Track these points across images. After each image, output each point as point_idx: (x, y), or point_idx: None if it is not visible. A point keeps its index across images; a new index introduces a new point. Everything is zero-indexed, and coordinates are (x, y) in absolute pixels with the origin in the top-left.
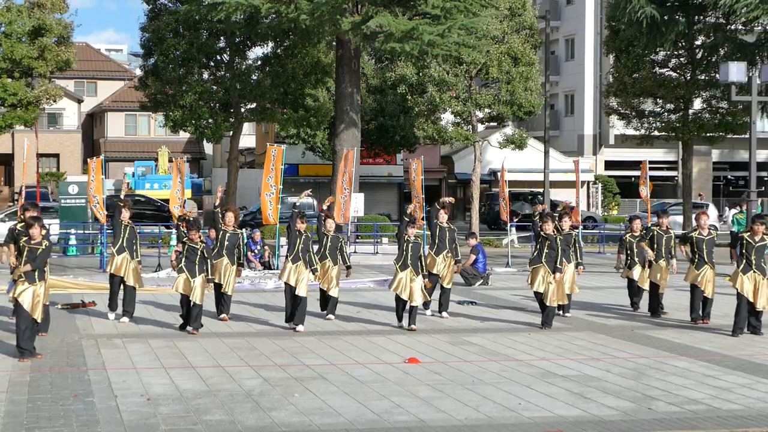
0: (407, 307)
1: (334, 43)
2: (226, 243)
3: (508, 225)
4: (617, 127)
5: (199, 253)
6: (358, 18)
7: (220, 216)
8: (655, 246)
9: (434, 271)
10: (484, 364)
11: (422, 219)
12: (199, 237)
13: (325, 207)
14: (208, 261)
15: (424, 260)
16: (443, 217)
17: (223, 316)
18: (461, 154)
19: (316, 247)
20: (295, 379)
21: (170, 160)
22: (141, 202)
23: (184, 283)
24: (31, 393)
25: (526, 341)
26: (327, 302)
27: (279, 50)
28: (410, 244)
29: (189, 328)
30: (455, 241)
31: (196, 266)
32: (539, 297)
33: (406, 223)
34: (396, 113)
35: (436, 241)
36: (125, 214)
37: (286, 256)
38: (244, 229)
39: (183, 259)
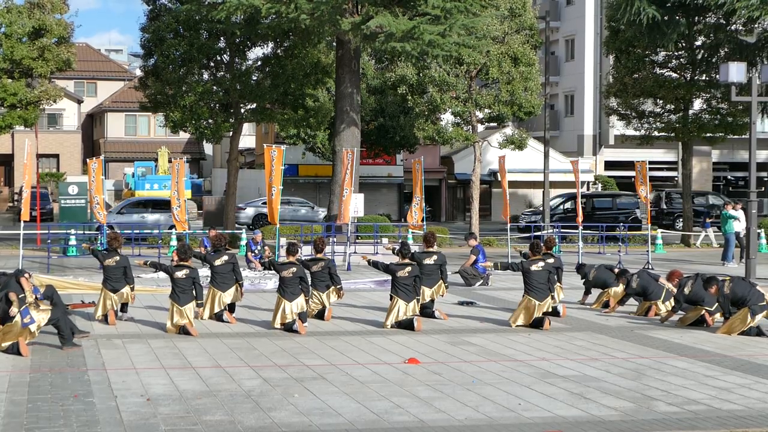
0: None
1: (334, 44)
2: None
3: (508, 225)
4: (617, 127)
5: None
6: (358, 18)
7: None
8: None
9: (426, 301)
10: (483, 364)
11: (422, 220)
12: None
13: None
14: (197, 287)
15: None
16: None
17: (227, 317)
18: (461, 155)
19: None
20: (295, 380)
21: (170, 161)
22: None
23: (177, 314)
24: (31, 393)
25: (525, 341)
26: (323, 314)
27: (279, 51)
28: (403, 279)
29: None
30: (441, 269)
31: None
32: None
33: (395, 265)
34: (396, 114)
35: (423, 277)
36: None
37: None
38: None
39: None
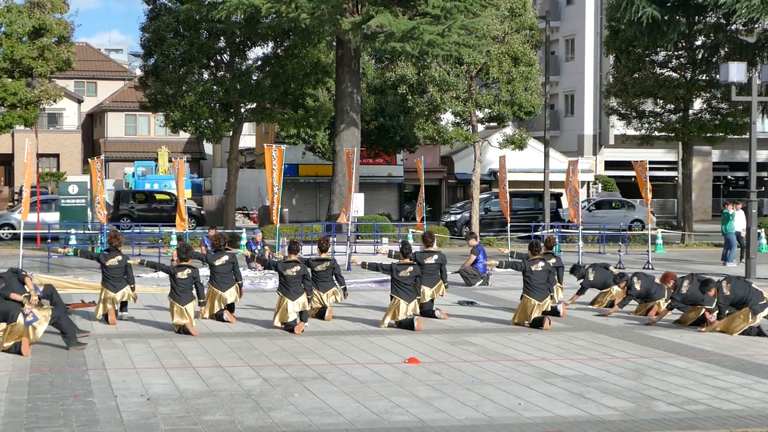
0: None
1: (334, 43)
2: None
3: (508, 225)
4: (617, 127)
5: (189, 280)
6: (358, 18)
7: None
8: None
9: (426, 300)
10: (484, 364)
11: (422, 219)
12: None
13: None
14: (199, 287)
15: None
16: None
17: (227, 316)
18: (461, 154)
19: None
20: (295, 379)
21: (170, 160)
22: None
23: (179, 313)
24: (31, 393)
25: (526, 341)
26: (323, 314)
27: (279, 50)
28: (403, 281)
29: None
30: (441, 269)
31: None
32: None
33: (397, 265)
34: (396, 113)
35: (422, 277)
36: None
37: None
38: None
39: (170, 290)
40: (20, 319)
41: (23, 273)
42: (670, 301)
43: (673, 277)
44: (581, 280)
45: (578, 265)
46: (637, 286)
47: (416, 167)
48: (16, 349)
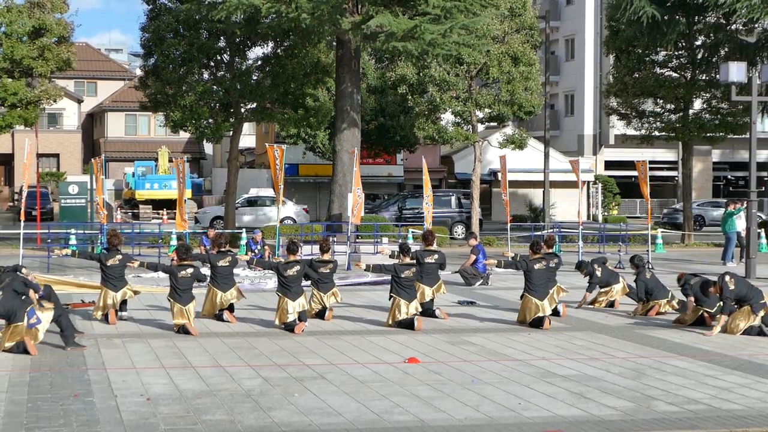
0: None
1: (334, 43)
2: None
3: (508, 225)
4: (617, 127)
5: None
6: (358, 18)
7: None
8: None
9: (426, 300)
10: (483, 363)
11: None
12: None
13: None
14: (200, 276)
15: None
16: (425, 255)
17: (227, 316)
18: (461, 154)
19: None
20: (294, 379)
21: (170, 160)
22: None
23: (179, 313)
24: (31, 393)
25: (525, 341)
26: (323, 314)
27: (279, 50)
28: (404, 281)
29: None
30: (440, 267)
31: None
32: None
33: (399, 265)
34: (396, 113)
35: (422, 276)
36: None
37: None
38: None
39: (171, 290)
40: (24, 320)
41: (23, 271)
42: (683, 296)
43: (682, 275)
44: (588, 277)
45: (584, 261)
46: (648, 274)
47: (421, 166)
48: (19, 349)
